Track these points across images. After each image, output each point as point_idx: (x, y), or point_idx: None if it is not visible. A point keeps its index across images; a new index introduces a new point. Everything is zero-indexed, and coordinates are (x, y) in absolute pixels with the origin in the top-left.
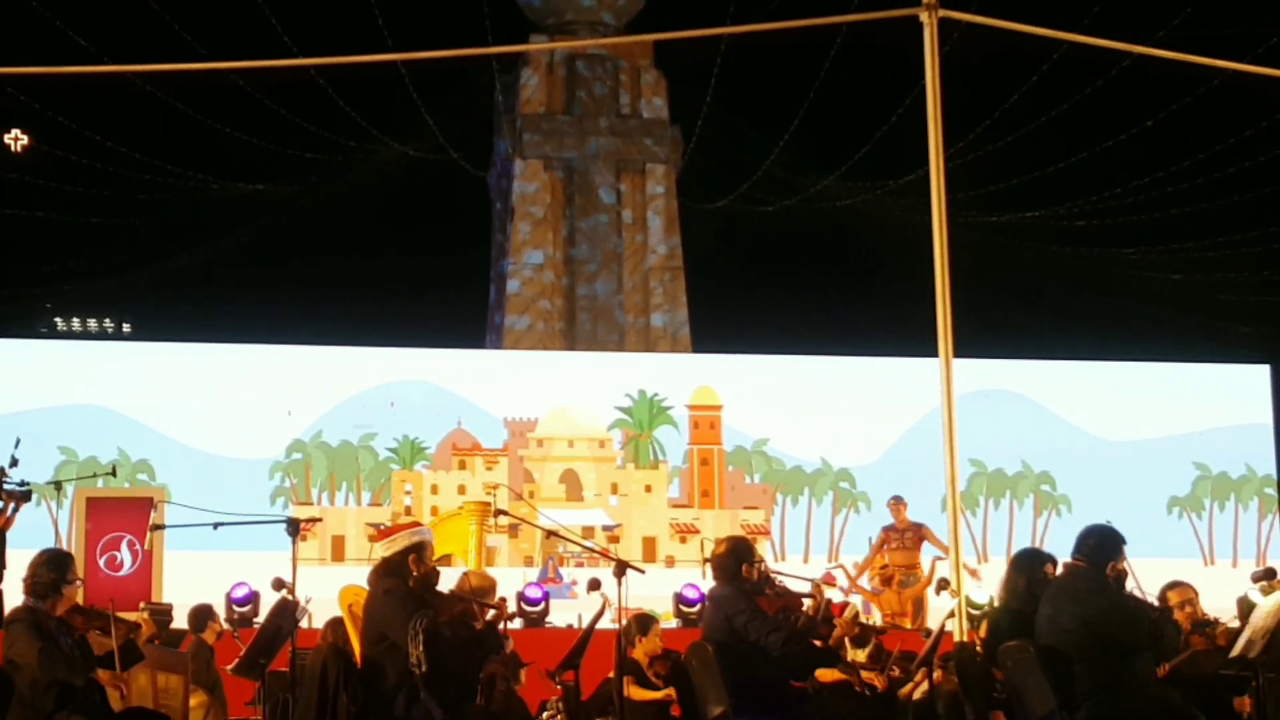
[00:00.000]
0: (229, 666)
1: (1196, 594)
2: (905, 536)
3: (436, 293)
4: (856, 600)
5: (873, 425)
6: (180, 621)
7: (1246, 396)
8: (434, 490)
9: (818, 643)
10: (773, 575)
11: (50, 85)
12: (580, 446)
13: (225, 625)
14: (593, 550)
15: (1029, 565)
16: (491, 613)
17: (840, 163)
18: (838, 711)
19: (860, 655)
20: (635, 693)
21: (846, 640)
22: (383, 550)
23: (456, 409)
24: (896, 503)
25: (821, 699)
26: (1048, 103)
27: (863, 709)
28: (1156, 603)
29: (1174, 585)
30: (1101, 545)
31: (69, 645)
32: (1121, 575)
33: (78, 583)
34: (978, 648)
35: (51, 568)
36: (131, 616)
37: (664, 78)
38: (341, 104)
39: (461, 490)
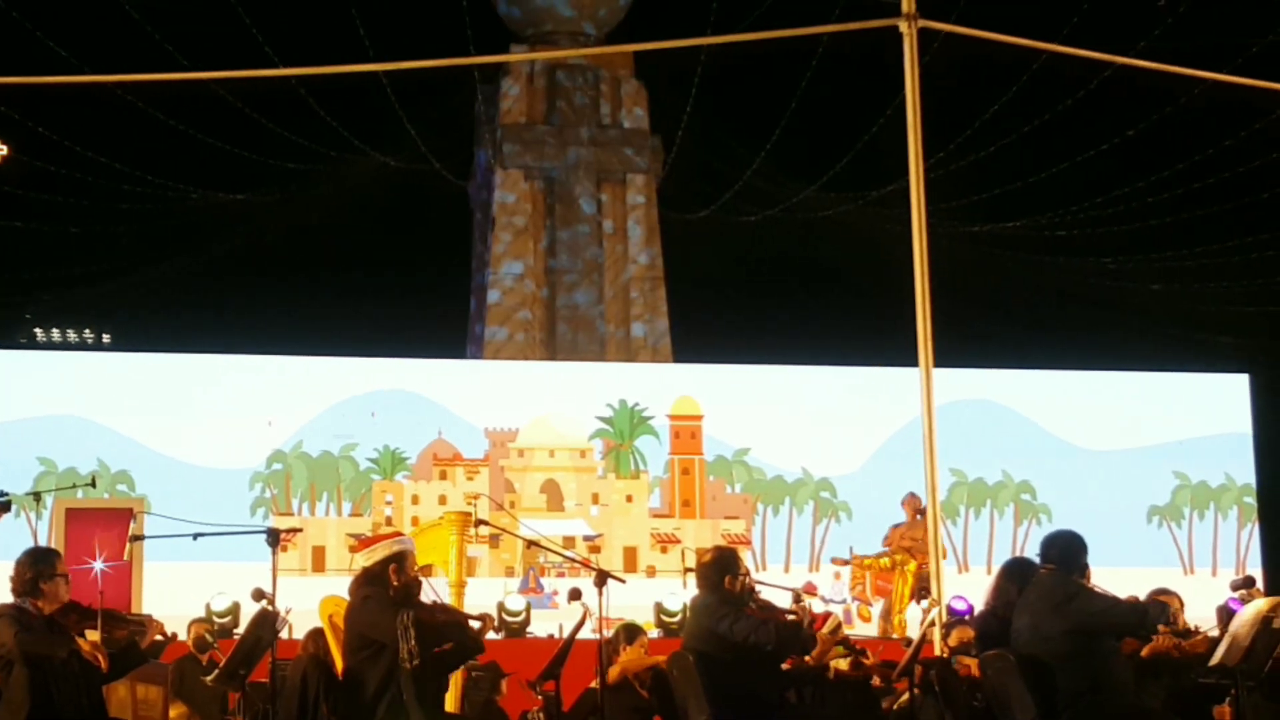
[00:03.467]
0: (208, 677)
1: (1181, 604)
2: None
3: (417, 303)
4: (837, 610)
5: (853, 435)
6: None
7: (1226, 406)
8: (415, 500)
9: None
10: (757, 590)
11: (29, 94)
12: (561, 456)
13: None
14: (574, 560)
15: (1022, 574)
16: (475, 624)
17: (821, 173)
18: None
19: (843, 665)
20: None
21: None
22: (363, 560)
23: (437, 419)
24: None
25: (804, 707)
26: (1028, 113)
27: (844, 717)
28: None
29: (1159, 593)
30: (1068, 551)
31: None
32: (1087, 576)
33: (60, 579)
34: (946, 655)
35: (30, 565)
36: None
37: (644, 88)
38: (322, 114)
39: (442, 500)
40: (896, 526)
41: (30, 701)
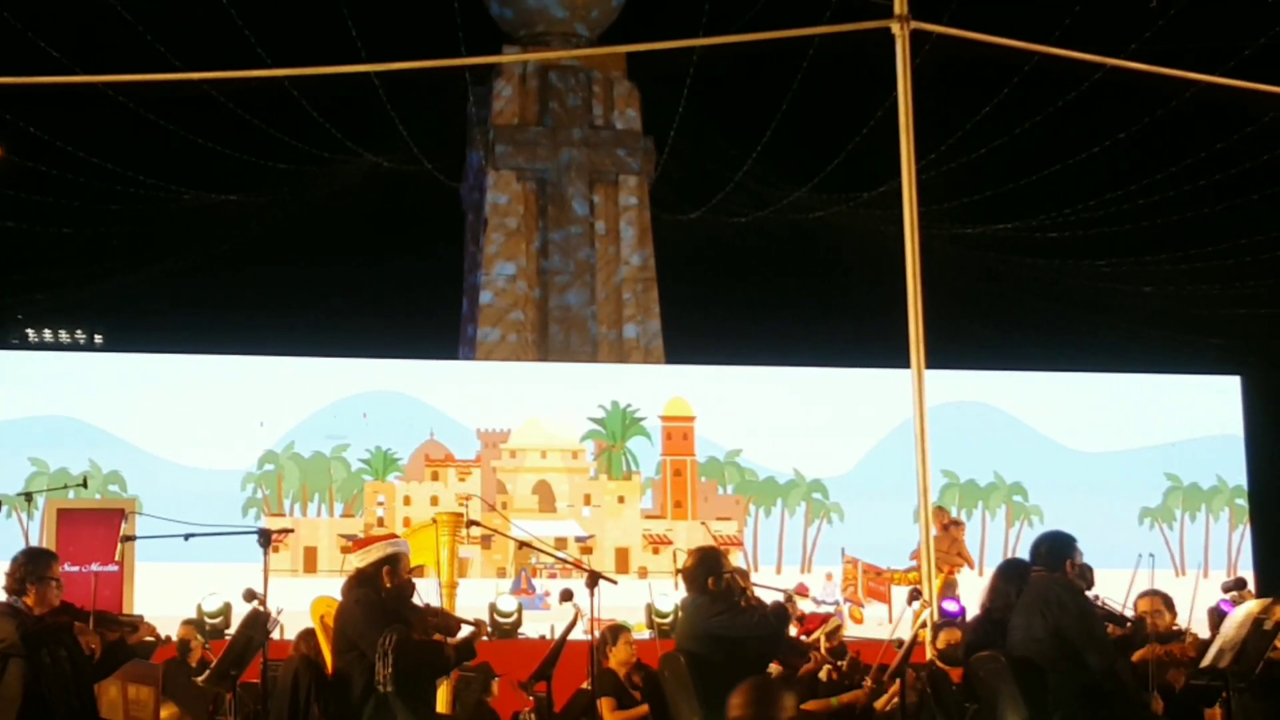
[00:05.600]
0: (200, 678)
1: (1165, 604)
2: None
3: (409, 304)
4: (830, 612)
5: (845, 437)
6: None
7: (1217, 408)
8: (407, 501)
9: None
10: (748, 586)
11: (21, 95)
12: (553, 458)
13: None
14: (565, 561)
15: (1019, 575)
16: (467, 629)
17: (813, 174)
18: None
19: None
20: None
21: (825, 651)
22: (357, 561)
23: (429, 420)
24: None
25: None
26: (1020, 115)
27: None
28: (1132, 612)
29: (1145, 594)
30: (1054, 549)
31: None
32: (1085, 571)
33: (51, 583)
34: (937, 661)
35: (23, 563)
36: None
37: (637, 89)
38: (315, 115)
39: (434, 501)
40: None
41: (24, 696)
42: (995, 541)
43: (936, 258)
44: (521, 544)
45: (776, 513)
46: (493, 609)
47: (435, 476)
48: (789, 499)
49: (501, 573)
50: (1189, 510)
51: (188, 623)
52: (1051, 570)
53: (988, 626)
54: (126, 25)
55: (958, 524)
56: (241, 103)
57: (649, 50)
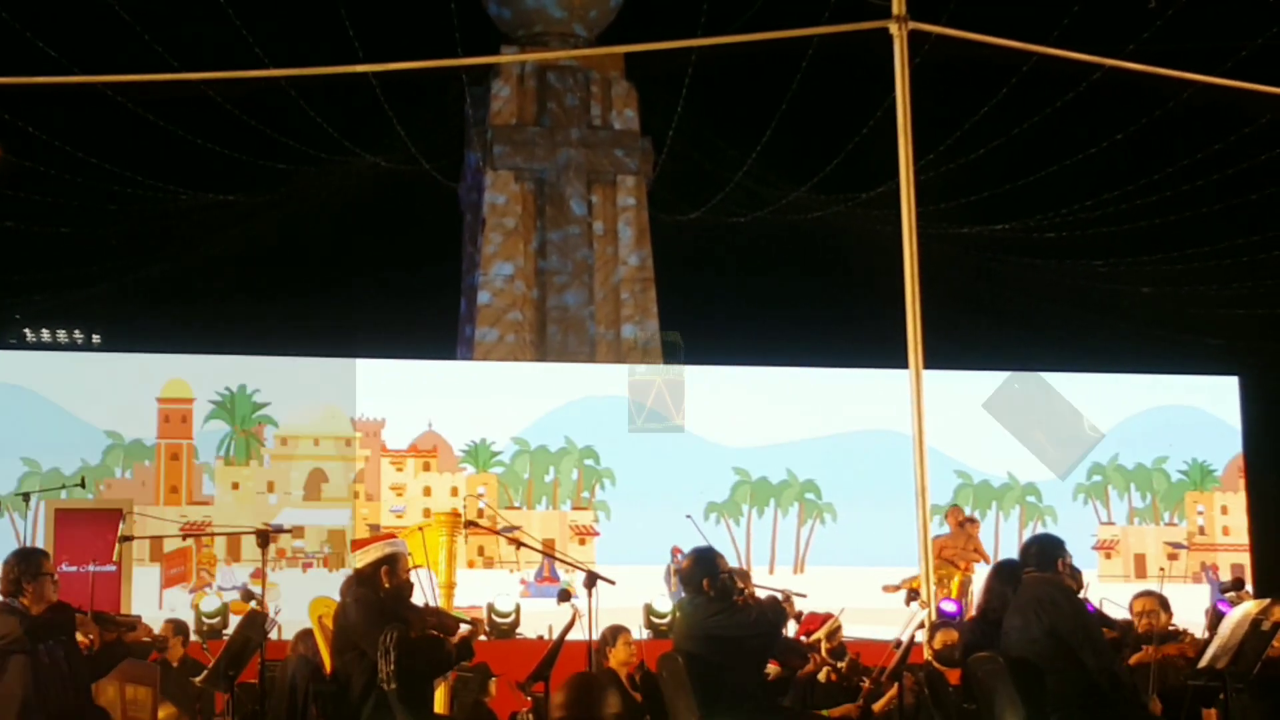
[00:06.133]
0: (197, 678)
1: (1161, 604)
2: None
3: (407, 304)
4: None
5: (843, 437)
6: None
7: (1215, 408)
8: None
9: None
10: (747, 586)
11: (21, 95)
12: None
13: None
14: (560, 560)
15: (1014, 576)
16: (465, 628)
17: (811, 175)
18: None
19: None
20: None
21: (825, 652)
22: (356, 561)
23: (426, 418)
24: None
25: (793, 710)
26: (1018, 115)
27: None
28: (1129, 614)
29: (1140, 594)
30: (1044, 550)
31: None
32: (1075, 572)
33: (46, 579)
34: (934, 662)
35: (15, 564)
36: None
37: (635, 89)
38: (313, 115)
39: (426, 492)
40: (937, 538)
41: (24, 693)
42: (1009, 541)
43: (935, 258)
44: (517, 544)
45: (770, 513)
46: (490, 609)
47: (426, 468)
48: (782, 499)
49: (490, 563)
50: (1184, 511)
51: (169, 621)
52: (1043, 571)
53: (984, 627)
54: (125, 25)
55: (972, 521)
56: (239, 103)
57: (647, 50)
